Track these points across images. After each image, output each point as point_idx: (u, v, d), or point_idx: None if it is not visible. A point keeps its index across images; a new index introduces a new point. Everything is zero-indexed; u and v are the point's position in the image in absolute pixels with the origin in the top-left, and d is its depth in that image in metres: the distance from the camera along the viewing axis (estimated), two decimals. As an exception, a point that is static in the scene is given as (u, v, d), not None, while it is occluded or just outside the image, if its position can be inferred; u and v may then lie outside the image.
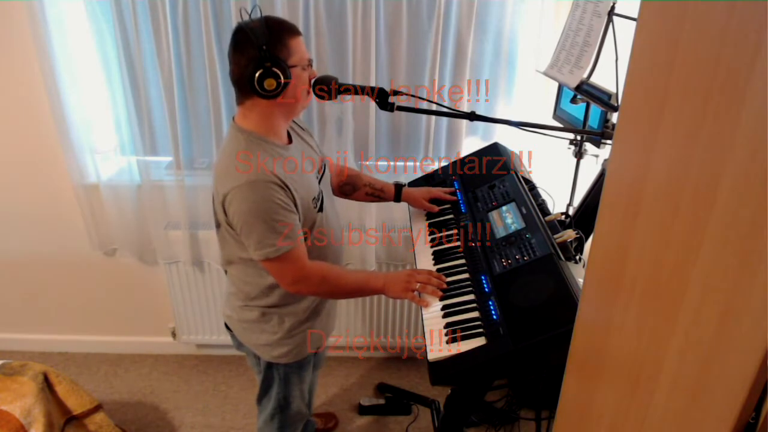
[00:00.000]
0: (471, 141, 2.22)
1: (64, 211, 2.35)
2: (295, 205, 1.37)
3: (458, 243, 1.59)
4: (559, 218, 1.56)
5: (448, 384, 1.37)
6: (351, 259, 2.37)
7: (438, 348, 1.29)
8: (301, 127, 1.61)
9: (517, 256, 1.41)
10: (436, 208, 1.77)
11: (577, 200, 1.82)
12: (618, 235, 0.83)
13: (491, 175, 1.76)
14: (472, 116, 1.50)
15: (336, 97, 1.50)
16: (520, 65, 2.07)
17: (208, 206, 1.50)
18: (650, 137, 0.72)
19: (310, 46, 2.01)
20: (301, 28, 1.94)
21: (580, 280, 1.23)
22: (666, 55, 0.69)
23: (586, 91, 1.52)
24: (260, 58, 1.29)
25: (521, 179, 1.71)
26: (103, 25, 2.02)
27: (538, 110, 2.10)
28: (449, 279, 1.47)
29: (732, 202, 0.56)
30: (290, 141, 1.48)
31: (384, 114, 2.03)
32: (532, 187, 1.74)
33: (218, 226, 1.46)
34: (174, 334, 2.62)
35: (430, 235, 1.69)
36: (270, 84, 1.30)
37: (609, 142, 1.58)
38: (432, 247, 1.63)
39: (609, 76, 1.45)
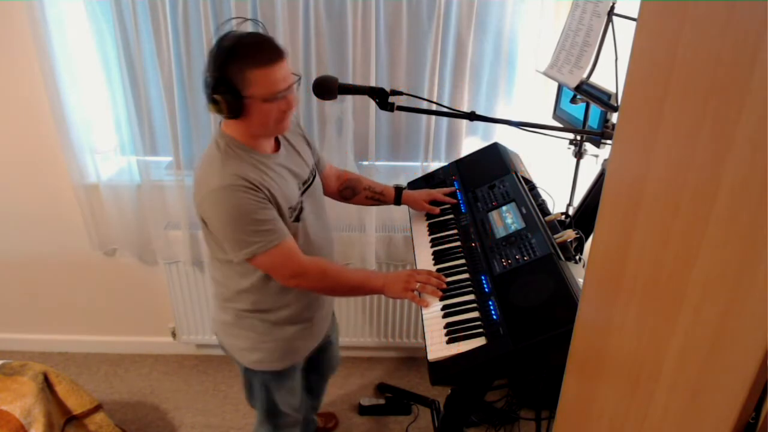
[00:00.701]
0: (471, 141, 2.22)
1: (64, 211, 2.35)
2: (272, 204, 1.35)
3: (458, 243, 1.59)
4: (559, 218, 1.56)
5: (448, 384, 1.37)
6: (351, 259, 2.37)
7: (438, 348, 1.29)
8: (298, 137, 1.57)
9: (517, 256, 1.41)
10: (437, 210, 1.76)
11: (577, 200, 1.82)
12: (618, 235, 0.83)
13: (491, 175, 1.76)
14: (472, 116, 1.50)
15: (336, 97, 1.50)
16: (520, 65, 2.07)
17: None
18: (650, 137, 0.72)
19: (310, 46, 2.01)
20: (301, 28, 1.95)
21: (580, 280, 1.23)
22: (666, 55, 0.69)
23: (585, 91, 1.52)
24: (216, 82, 1.27)
25: (521, 179, 1.71)
26: (103, 25, 2.02)
27: (538, 110, 2.10)
28: (449, 279, 1.47)
29: (732, 202, 0.56)
30: (278, 148, 1.46)
31: (384, 114, 2.03)
32: (532, 187, 1.74)
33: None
34: (174, 334, 2.62)
35: (430, 235, 1.69)
36: (222, 110, 1.29)
37: (609, 142, 1.58)
38: (432, 247, 1.63)
39: (609, 76, 1.45)
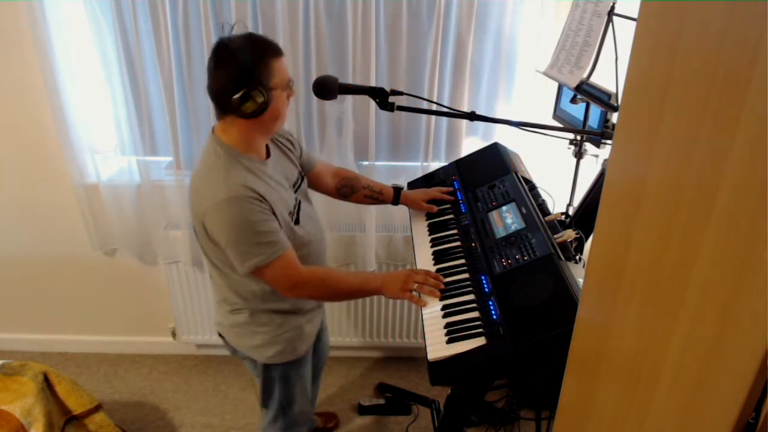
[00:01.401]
0: (471, 141, 2.22)
1: (64, 211, 2.35)
2: (275, 217, 1.37)
3: (458, 243, 1.59)
4: (559, 218, 1.56)
5: (448, 384, 1.37)
6: (351, 259, 2.37)
7: (438, 348, 1.29)
8: (282, 138, 1.58)
9: (517, 256, 1.41)
10: (435, 209, 1.77)
11: (577, 200, 1.82)
12: (618, 235, 0.83)
13: (491, 175, 1.76)
14: (472, 116, 1.50)
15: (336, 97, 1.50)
16: (520, 65, 2.07)
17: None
18: (650, 137, 0.72)
19: (310, 46, 2.01)
20: (301, 28, 1.96)
21: (580, 280, 1.23)
22: (666, 55, 0.69)
23: (586, 91, 1.52)
24: (242, 77, 1.27)
25: (521, 179, 1.71)
26: (103, 25, 2.02)
27: (538, 110, 2.10)
28: (449, 279, 1.47)
29: (732, 201, 0.56)
30: (269, 155, 1.48)
31: (384, 114, 2.03)
32: (532, 187, 1.74)
33: (196, 233, 1.46)
34: (174, 334, 2.62)
35: (430, 235, 1.69)
36: (250, 106, 1.30)
37: (609, 142, 1.58)
38: (432, 247, 1.63)
39: (609, 76, 1.45)
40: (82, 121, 2.14)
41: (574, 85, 1.56)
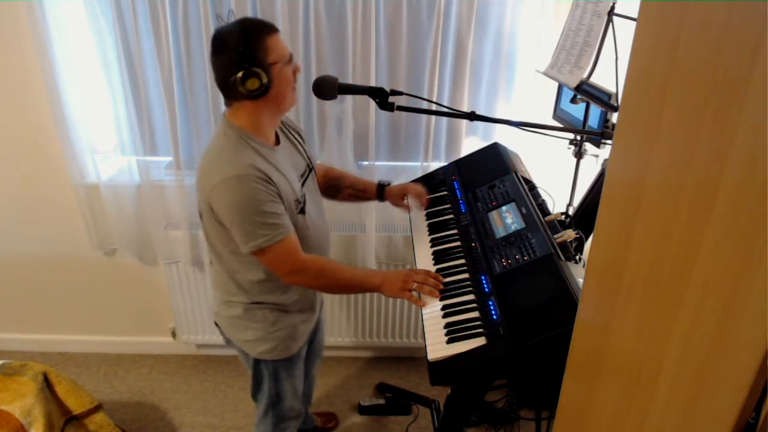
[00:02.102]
0: (471, 141, 2.22)
1: (64, 211, 2.35)
2: (281, 200, 1.38)
3: (458, 243, 1.59)
4: (559, 218, 1.56)
5: (448, 384, 1.37)
6: (351, 259, 2.37)
7: (438, 348, 1.29)
8: (293, 130, 1.60)
9: (517, 256, 1.41)
10: (412, 209, 1.79)
11: (577, 200, 1.82)
12: (618, 235, 0.83)
13: (491, 175, 1.76)
14: (472, 116, 1.50)
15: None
16: (520, 65, 2.07)
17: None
18: (650, 137, 0.72)
19: (310, 46, 2.01)
20: (300, 28, 1.96)
21: (580, 280, 1.23)
22: (666, 55, 0.69)
23: (586, 91, 1.52)
24: (239, 60, 1.29)
25: (521, 179, 1.71)
26: (103, 25, 2.02)
27: (538, 110, 2.10)
28: (449, 279, 1.47)
29: (732, 201, 0.56)
30: (278, 142, 1.49)
31: (384, 114, 2.03)
32: (532, 187, 1.74)
33: (201, 217, 1.47)
34: (174, 334, 2.62)
35: (430, 235, 1.69)
36: (252, 84, 1.31)
37: (609, 142, 1.58)
38: (432, 247, 1.63)
39: (609, 76, 1.45)
40: (82, 121, 2.14)
41: (574, 85, 1.56)
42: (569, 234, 1.44)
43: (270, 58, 1.33)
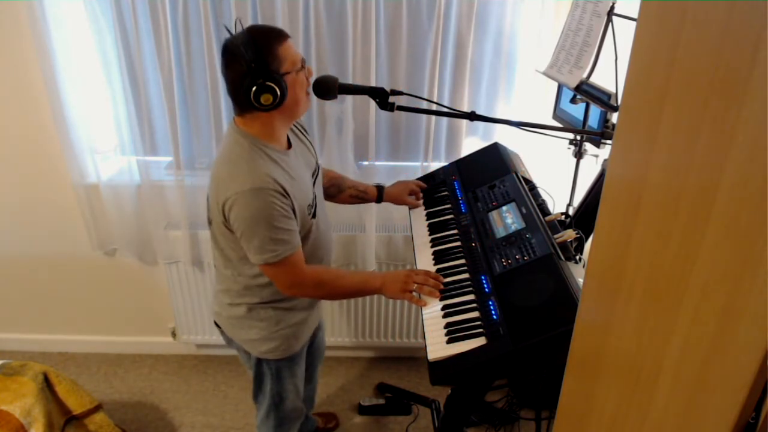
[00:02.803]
0: (471, 141, 2.22)
1: (64, 211, 2.35)
2: (294, 213, 1.38)
3: (458, 243, 1.59)
4: (559, 218, 1.56)
5: (448, 384, 1.37)
6: (351, 259, 2.37)
7: (438, 348, 1.29)
8: (300, 128, 1.61)
9: (517, 256, 1.41)
10: (419, 204, 1.82)
11: (577, 200, 1.82)
12: (618, 235, 0.83)
13: (491, 175, 1.76)
14: (472, 116, 1.50)
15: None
16: (520, 65, 2.07)
17: (206, 205, 1.51)
18: (650, 137, 0.72)
19: (310, 46, 2.01)
20: (301, 28, 1.96)
21: (580, 280, 1.23)
22: (666, 55, 0.69)
23: (585, 91, 1.52)
24: (251, 74, 1.28)
25: (521, 179, 1.71)
26: (103, 24, 2.02)
27: (538, 110, 2.10)
28: (449, 279, 1.47)
29: (732, 202, 0.56)
30: (290, 145, 1.49)
31: (384, 114, 2.03)
32: (532, 187, 1.74)
33: (210, 223, 1.47)
34: (174, 334, 2.62)
35: (430, 235, 1.69)
36: (267, 99, 1.30)
37: (609, 142, 1.58)
38: (432, 247, 1.63)
39: (609, 76, 1.45)
40: (82, 121, 2.14)
41: (574, 85, 1.56)
42: (569, 234, 1.44)
43: (283, 68, 1.32)
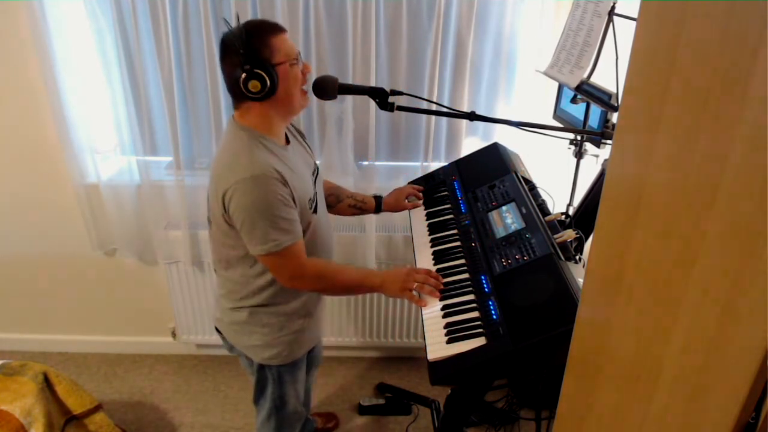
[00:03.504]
0: (471, 141, 2.22)
1: (64, 211, 2.35)
2: (294, 202, 1.38)
3: (458, 243, 1.59)
4: (559, 218, 1.56)
5: (448, 384, 1.37)
6: (351, 259, 2.37)
7: (438, 348, 1.28)
8: (298, 132, 1.62)
9: (517, 256, 1.41)
10: (419, 204, 1.82)
11: (577, 200, 1.82)
12: (618, 235, 0.83)
13: (491, 175, 1.76)
14: (472, 116, 1.50)
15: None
16: (520, 65, 2.07)
17: (206, 205, 1.50)
18: (650, 137, 0.72)
19: (310, 46, 2.01)
20: (300, 28, 1.96)
21: (580, 280, 1.23)
22: (666, 55, 0.69)
23: (586, 91, 1.52)
24: (242, 62, 1.29)
25: (521, 179, 1.71)
26: (103, 24, 2.02)
27: (538, 110, 2.10)
28: (449, 279, 1.47)
29: (732, 202, 0.56)
30: (288, 143, 1.49)
31: (384, 114, 2.03)
32: (532, 187, 1.74)
33: (210, 222, 1.47)
34: (174, 334, 2.62)
35: (430, 235, 1.69)
36: (255, 86, 1.30)
37: (609, 142, 1.58)
38: (432, 247, 1.63)
39: (609, 76, 1.45)
40: (82, 121, 2.14)
41: (575, 85, 1.56)
42: (569, 234, 1.44)
43: (275, 59, 1.32)
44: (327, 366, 2.59)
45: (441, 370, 1.26)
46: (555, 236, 1.44)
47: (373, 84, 2.03)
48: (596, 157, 1.81)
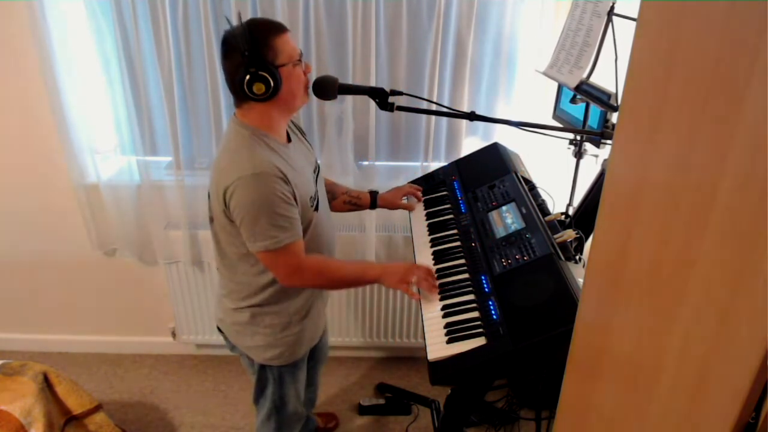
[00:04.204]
0: (471, 141, 2.22)
1: (64, 211, 2.35)
2: (295, 200, 1.38)
3: (458, 243, 1.59)
4: (559, 218, 1.56)
5: (448, 384, 1.37)
6: (351, 259, 2.36)
7: (438, 348, 1.29)
8: (299, 130, 1.62)
9: (517, 256, 1.41)
10: (413, 207, 1.82)
11: (577, 200, 1.82)
12: (618, 235, 0.83)
13: (491, 175, 1.76)
14: (472, 116, 1.50)
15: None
16: (520, 65, 2.07)
17: (206, 205, 1.50)
18: (650, 137, 0.72)
19: (310, 46, 2.01)
20: (301, 28, 1.96)
21: (580, 280, 1.23)
22: (666, 55, 0.69)
23: (585, 91, 1.52)
24: (246, 63, 1.29)
25: (521, 179, 1.71)
26: (103, 24, 2.02)
27: (538, 110, 2.10)
28: (449, 279, 1.47)
29: (732, 202, 0.56)
30: (289, 140, 1.49)
31: (384, 114, 2.03)
32: (532, 187, 1.74)
33: (212, 221, 1.47)
34: (174, 334, 2.62)
35: (430, 235, 1.69)
36: (259, 88, 1.30)
37: (609, 142, 1.58)
38: (432, 247, 1.63)
39: (609, 76, 1.45)
40: (82, 121, 2.14)
41: (574, 85, 1.56)
42: (569, 234, 1.44)
43: (278, 60, 1.33)
44: (327, 366, 2.57)
45: (441, 370, 1.26)
46: (555, 236, 1.44)
47: (373, 84, 2.03)
48: (596, 157, 1.81)
